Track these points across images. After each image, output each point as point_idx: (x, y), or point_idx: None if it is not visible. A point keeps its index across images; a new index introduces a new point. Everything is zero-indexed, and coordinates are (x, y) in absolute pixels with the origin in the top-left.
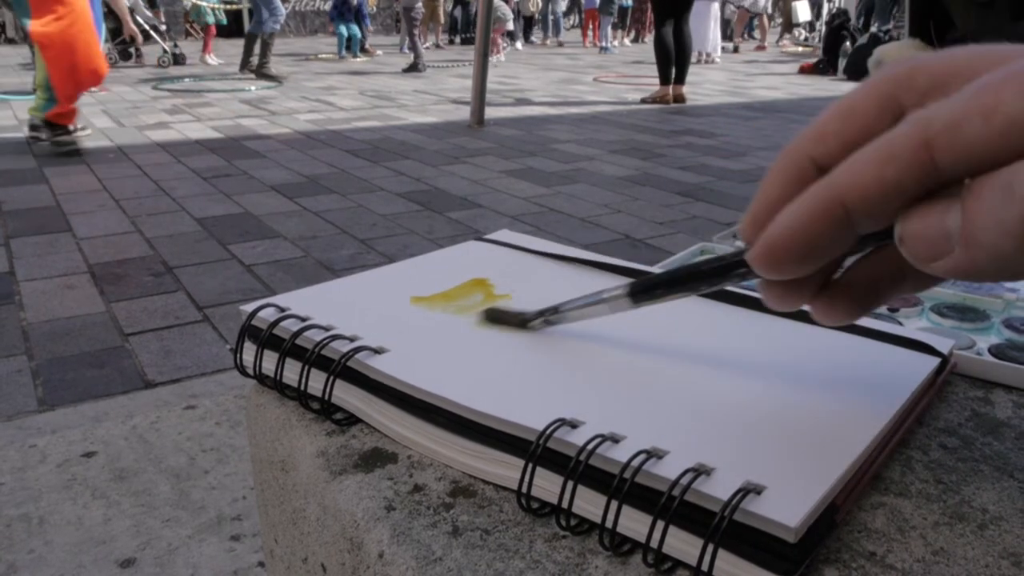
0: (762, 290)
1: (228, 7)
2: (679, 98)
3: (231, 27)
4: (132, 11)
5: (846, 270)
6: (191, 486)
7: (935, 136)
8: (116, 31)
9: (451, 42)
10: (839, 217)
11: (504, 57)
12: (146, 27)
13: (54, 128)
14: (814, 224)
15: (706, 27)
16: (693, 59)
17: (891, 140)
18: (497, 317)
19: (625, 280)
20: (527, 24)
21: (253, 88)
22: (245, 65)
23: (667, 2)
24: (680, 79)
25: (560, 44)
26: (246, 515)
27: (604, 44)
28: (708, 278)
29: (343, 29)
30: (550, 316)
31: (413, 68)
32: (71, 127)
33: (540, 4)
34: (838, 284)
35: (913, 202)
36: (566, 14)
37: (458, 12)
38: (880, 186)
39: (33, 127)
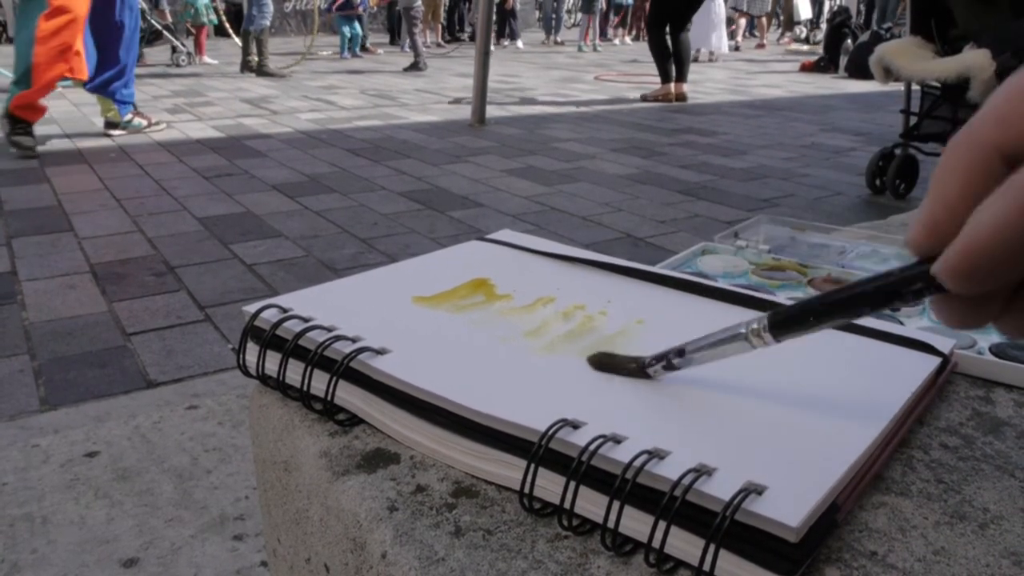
0: (940, 308)
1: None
2: (680, 96)
3: (233, 26)
4: (144, 13)
5: None
6: (194, 486)
7: None
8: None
9: (449, 41)
10: None
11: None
12: (158, 27)
13: (15, 123)
14: None
15: (714, 26)
16: (705, 58)
17: None
18: (607, 364)
19: (755, 313)
20: (502, 18)
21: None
22: (246, 65)
23: (666, 11)
24: (681, 77)
25: (558, 42)
26: (249, 515)
27: (587, 43)
28: (874, 300)
29: (346, 29)
30: (674, 359)
31: (414, 67)
32: (33, 127)
33: None
34: None
35: None
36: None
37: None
38: None
39: None
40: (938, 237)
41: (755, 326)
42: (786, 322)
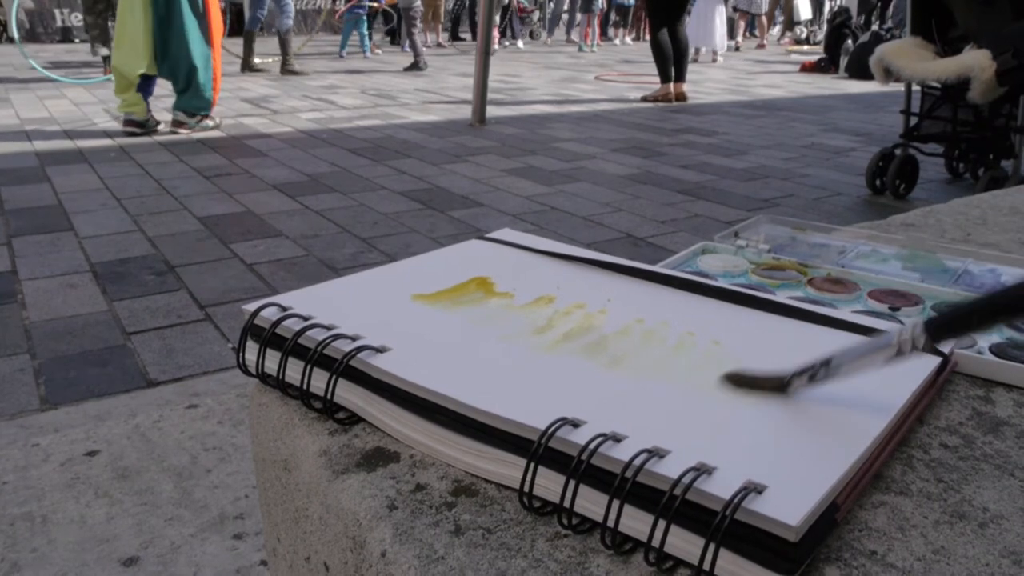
0: None
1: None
2: (680, 96)
3: (233, 26)
4: None
5: None
6: (193, 485)
7: None
8: None
9: (451, 42)
10: None
11: (496, 46)
12: None
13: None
14: None
15: (714, 26)
16: (708, 58)
17: None
18: (745, 382)
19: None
20: (504, 16)
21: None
22: (247, 65)
23: (662, 7)
24: (680, 77)
25: (573, 40)
26: (248, 514)
27: (587, 43)
28: None
29: (352, 32)
30: (817, 372)
31: (414, 67)
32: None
33: None
34: None
35: None
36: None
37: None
38: None
39: (177, 122)
40: None
41: (909, 333)
42: (948, 326)
